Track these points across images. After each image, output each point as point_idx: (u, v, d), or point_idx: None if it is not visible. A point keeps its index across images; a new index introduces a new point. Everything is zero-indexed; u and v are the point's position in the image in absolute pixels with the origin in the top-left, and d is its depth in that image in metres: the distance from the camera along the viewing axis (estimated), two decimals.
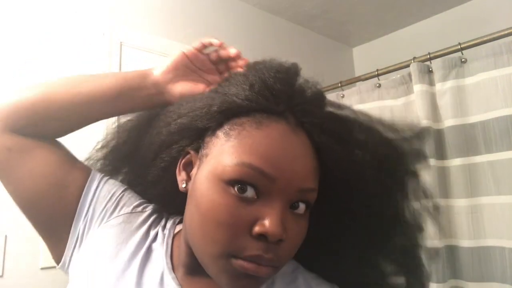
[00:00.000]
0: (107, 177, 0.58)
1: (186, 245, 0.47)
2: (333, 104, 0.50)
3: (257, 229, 0.39)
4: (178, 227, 0.55)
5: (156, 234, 0.53)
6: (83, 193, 0.54)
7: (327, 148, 0.44)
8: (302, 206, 0.42)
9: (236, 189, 0.40)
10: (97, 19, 1.44)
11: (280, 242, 0.40)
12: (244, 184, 0.40)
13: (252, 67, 0.55)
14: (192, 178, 0.46)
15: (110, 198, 0.55)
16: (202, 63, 0.63)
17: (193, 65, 0.62)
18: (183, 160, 0.49)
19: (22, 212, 0.56)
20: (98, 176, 0.57)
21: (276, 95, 0.44)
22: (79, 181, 0.55)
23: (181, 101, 0.55)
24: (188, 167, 0.48)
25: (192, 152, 0.48)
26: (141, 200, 0.57)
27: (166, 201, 0.55)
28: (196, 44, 0.62)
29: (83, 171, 0.57)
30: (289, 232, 0.41)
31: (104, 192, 0.55)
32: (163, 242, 0.52)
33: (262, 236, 0.39)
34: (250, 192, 0.40)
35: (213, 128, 0.45)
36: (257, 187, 0.40)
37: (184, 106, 0.52)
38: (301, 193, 0.42)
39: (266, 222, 0.39)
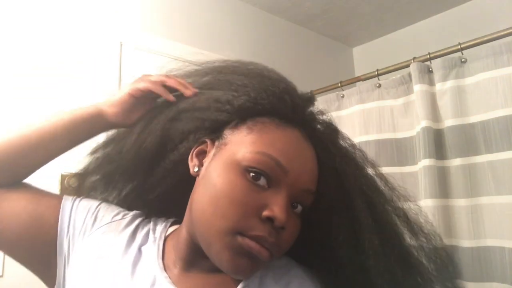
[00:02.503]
0: (79, 198, 0.60)
1: (188, 235, 0.50)
2: (344, 139, 0.56)
3: (266, 212, 0.43)
4: (171, 229, 0.56)
5: (144, 237, 0.54)
6: (59, 216, 0.56)
7: (325, 167, 0.49)
8: (299, 207, 0.48)
9: (251, 175, 0.45)
10: (97, 19, 1.44)
11: (282, 230, 0.44)
12: (260, 172, 0.45)
13: (260, 74, 0.60)
14: (206, 164, 0.49)
15: (88, 212, 0.57)
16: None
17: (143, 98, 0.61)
18: (197, 148, 0.51)
19: (9, 255, 0.57)
20: (70, 198, 0.59)
21: (295, 106, 0.51)
22: (53, 207, 0.57)
23: (187, 98, 0.56)
24: (201, 155, 0.51)
25: (209, 141, 0.51)
26: (119, 209, 0.58)
27: (162, 204, 0.57)
28: (156, 83, 0.60)
29: (54, 198, 0.60)
30: (289, 224, 0.45)
31: (80, 209, 0.57)
32: (154, 244, 0.53)
33: (269, 220, 0.43)
34: (262, 181, 0.45)
35: (236, 122, 0.50)
36: (270, 177, 0.45)
37: (201, 100, 0.54)
38: (303, 192, 0.47)
39: (275, 208, 0.43)
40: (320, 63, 2.33)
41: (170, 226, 0.57)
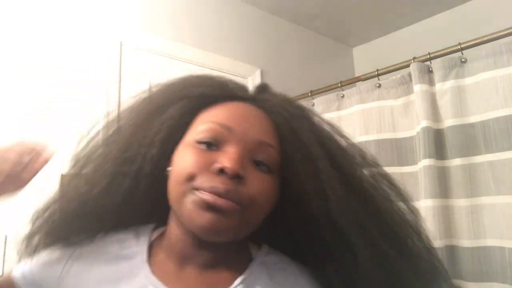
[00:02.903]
0: (28, 260, 0.56)
1: (178, 228, 0.50)
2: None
3: (215, 165, 0.45)
4: (156, 233, 0.55)
5: (125, 250, 0.53)
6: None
7: (282, 129, 0.51)
8: (264, 167, 0.48)
9: (204, 146, 0.47)
10: (97, 19, 1.44)
11: (240, 180, 0.45)
12: (207, 141, 0.47)
13: (189, 79, 0.58)
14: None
15: (44, 267, 0.54)
16: None
17: None
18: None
19: None
20: (19, 268, 0.56)
21: (241, 88, 0.56)
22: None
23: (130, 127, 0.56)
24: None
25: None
26: (67, 249, 0.55)
27: (140, 215, 0.55)
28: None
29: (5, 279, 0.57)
30: (251, 178, 0.46)
31: (35, 268, 0.54)
32: (138, 252, 0.52)
33: (221, 172, 0.44)
34: (212, 146, 0.47)
35: (191, 121, 0.52)
36: (217, 139, 0.47)
37: (153, 123, 0.53)
38: (258, 145, 0.48)
39: (223, 159, 0.45)
40: (320, 63, 2.33)
41: (155, 229, 0.56)
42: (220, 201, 0.44)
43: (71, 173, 0.60)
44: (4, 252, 1.13)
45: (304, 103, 1.79)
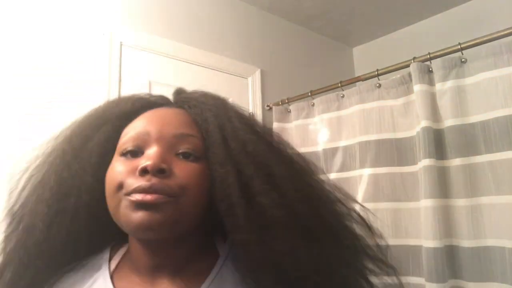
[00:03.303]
0: None
1: (131, 240, 0.51)
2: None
3: (138, 168, 0.46)
4: (121, 251, 0.55)
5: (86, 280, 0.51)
6: None
7: (197, 114, 0.53)
8: (190, 156, 0.49)
9: (128, 155, 0.49)
10: (97, 19, 1.44)
11: (165, 174, 0.46)
12: (129, 150, 0.49)
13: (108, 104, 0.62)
14: None
15: None
16: None
17: None
18: None
19: None
20: None
21: (159, 97, 0.59)
22: None
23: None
24: None
25: None
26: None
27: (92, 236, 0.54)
28: None
29: None
30: (177, 169, 0.47)
31: None
32: (100, 274, 0.51)
33: (144, 171, 0.45)
34: (135, 154, 0.49)
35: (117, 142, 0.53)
36: (138, 146, 0.49)
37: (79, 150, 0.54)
38: (178, 138, 0.49)
39: (144, 160, 0.46)
40: (320, 63, 2.33)
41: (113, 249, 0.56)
42: (148, 197, 0.44)
43: (10, 231, 0.55)
44: None
45: (304, 103, 1.81)
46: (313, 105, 1.77)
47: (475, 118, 1.24)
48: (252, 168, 0.48)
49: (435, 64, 1.35)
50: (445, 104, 1.31)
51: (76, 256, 0.54)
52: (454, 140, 1.27)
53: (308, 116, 1.79)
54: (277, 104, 1.92)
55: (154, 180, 0.45)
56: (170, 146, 0.49)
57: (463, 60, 1.30)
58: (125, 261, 0.53)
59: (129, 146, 0.49)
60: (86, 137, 0.54)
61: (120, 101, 0.59)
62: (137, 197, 0.44)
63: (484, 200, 1.19)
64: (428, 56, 1.37)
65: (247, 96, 1.90)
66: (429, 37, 2.13)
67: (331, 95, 1.69)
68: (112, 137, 0.53)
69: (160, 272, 0.50)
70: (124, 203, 0.46)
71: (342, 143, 1.60)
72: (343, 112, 1.64)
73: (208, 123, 0.51)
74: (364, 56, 2.53)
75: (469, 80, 1.28)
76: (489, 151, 1.20)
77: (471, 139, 1.24)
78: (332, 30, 2.34)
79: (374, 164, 1.44)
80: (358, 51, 2.57)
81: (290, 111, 1.88)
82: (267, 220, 0.46)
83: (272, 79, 2.03)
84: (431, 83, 1.35)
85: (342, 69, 2.46)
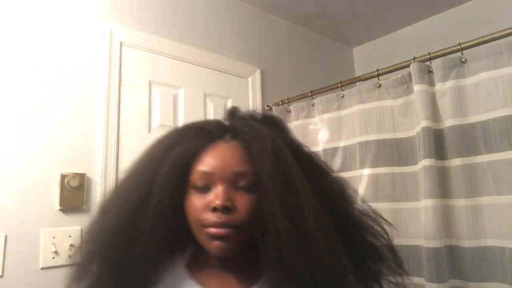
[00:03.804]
0: None
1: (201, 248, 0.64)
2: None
3: (210, 206, 0.60)
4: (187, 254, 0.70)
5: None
6: None
7: (250, 150, 0.64)
8: (243, 187, 0.62)
9: (200, 190, 0.63)
10: (97, 19, 1.44)
11: (230, 210, 0.59)
12: (198, 186, 0.63)
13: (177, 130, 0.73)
14: None
15: None
16: None
17: None
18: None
19: None
20: None
21: (215, 125, 0.69)
22: None
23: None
24: None
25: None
26: None
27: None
28: None
29: None
30: (238, 203, 0.61)
31: None
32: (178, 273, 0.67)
33: (215, 209, 0.59)
34: (206, 190, 0.62)
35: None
36: (206, 183, 0.62)
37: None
38: (236, 175, 0.62)
39: (213, 198, 0.60)
40: (320, 63, 2.33)
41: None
42: (220, 231, 0.59)
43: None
44: (4, 252, 1.13)
45: (304, 103, 1.81)
46: (313, 105, 1.77)
47: (475, 118, 1.24)
48: (292, 201, 0.60)
49: (435, 64, 1.34)
50: (445, 104, 1.31)
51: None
52: (454, 140, 1.27)
53: (308, 116, 1.79)
54: (277, 104, 1.92)
55: (224, 217, 0.59)
56: (231, 182, 0.62)
57: (463, 60, 1.30)
58: (196, 265, 0.68)
59: (200, 184, 0.63)
60: (155, 165, 0.65)
61: (187, 131, 0.70)
62: (213, 231, 0.59)
63: (484, 200, 1.19)
64: (428, 56, 1.37)
65: (247, 96, 1.90)
66: (429, 37, 2.13)
67: (331, 95, 1.69)
68: (180, 170, 0.64)
69: (227, 271, 0.66)
70: (204, 233, 0.61)
71: (342, 143, 1.60)
72: (343, 112, 1.64)
73: (261, 160, 0.62)
74: (364, 56, 2.53)
75: (469, 80, 1.28)
76: (489, 151, 1.20)
77: (471, 139, 1.24)
78: (332, 30, 2.34)
79: (374, 164, 1.44)
80: (358, 51, 2.58)
81: (290, 111, 1.88)
82: (304, 240, 0.58)
83: (272, 79, 2.03)
84: (431, 83, 1.35)
85: (342, 69, 2.46)
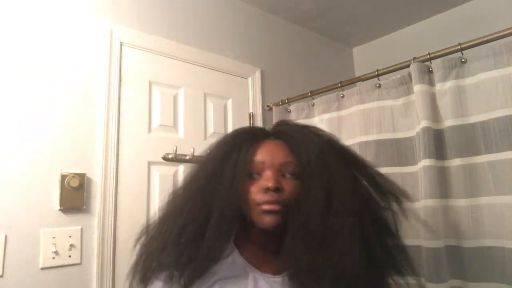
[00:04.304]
0: None
1: (258, 230, 0.75)
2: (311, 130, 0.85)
3: (263, 187, 0.73)
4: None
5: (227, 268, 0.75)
6: None
7: (292, 146, 0.78)
8: (288, 175, 0.75)
9: (254, 175, 0.76)
10: (98, 19, 1.44)
11: (279, 191, 0.72)
12: (252, 172, 0.76)
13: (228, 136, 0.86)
14: None
15: None
16: None
17: None
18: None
19: None
20: None
21: (262, 130, 0.86)
22: None
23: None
24: None
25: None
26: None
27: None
28: None
29: None
30: (285, 186, 0.73)
31: None
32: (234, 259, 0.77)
33: (267, 190, 0.72)
34: (258, 176, 0.76)
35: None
36: (258, 171, 0.76)
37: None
38: (283, 165, 0.75)
39: (265, 182, 0.73)
40: (320, 63, 2.33)
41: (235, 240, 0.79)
42: (272, 206, 0.71)
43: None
44: (4, 252, 1.13)
45: (304, 103, 1.81)
46: (313, 105, 1.77)
47: (475, 118, 1.24)
48: (328, 186, 0.72)
49: (435, 64, 1.35)
50: (445, 104, 1.31)
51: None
52: (454, 140, 1.27)
53: (308, 116, 1.79)
54: (277, 104, 1.92)
55: (275, 196, 0.71)
56: (278, 170, 0.75)
57: (463, 60, 1.30)
58: (242, 246, 0.79)
59: (254, 171, 0.76)
60: (220, 161, 0.78)
61: (242, 133, 0.84)
62: (266, 207, 0.71)
63: (484, 200, 1.19)
64: (428, 56, 1.37)
65: (247, 96, 1.90)
66: (429, 37, 2.13)
67: (331, 95, 1.69)
68: (237, 161, 0.77)
69: (268, 248, 0.78)
70: (258, 210, 0.73)
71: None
72: (343, 112, 1.64)
73: (300, 153, 0.76)
74: (364, 56, 2.53)
75: (469, 80, 1.28)
76: (489, 151, 1.20)
77: (471, 139, 1.24)
78: (332, 30, 2.34)
79: (374, 164, 1.44)
80: (358, 51, 2.58)
81: (290, 111, 1.88)
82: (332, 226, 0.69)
83: (272, 79, 2.03)
84: (431, 83, 1.35)
85: (342, 69, 2.46)
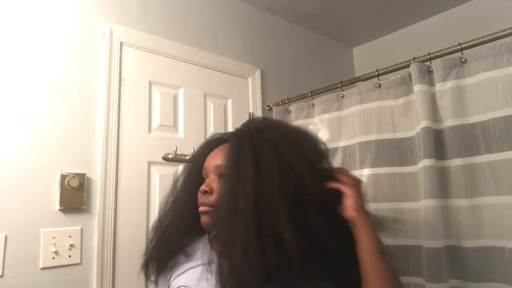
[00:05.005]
0: None
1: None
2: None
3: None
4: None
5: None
6: None
7: (228, 149, 0.81)
8: (219, 176, 0.81)
9: (203, 181, 0.84)
10: (98, 19, 1.44)
11: (207, 193, 0.79)
12: (204, 177, 0.85)
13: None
14: None
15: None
16: None
17: None
18: None
19: None
20: None
21: (221, 137, 0.91)
22: None
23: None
24: None
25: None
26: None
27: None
28: None
29: None
30: (216, 188, 0.80)
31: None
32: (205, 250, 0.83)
33: (200, 193, 0.81)
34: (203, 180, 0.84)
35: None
36: (206, 176, 0.84)
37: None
38: (216, 168, 0.81)
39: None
40: (320, 63, 2.33)
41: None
42: (202, 208, 0.80)
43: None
44: (4, 252, 1.13)
45: (304, 103, 1.81)
46: (313, 105, 1.77)
47: (475, 118, 1.24)
48: (235, 187, 0.74)
49: (435, 64, 1.34)
50: (445, 104, 1.31)
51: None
52: (454, 140, 1.27)
53: (308, 116, 1.79)
54: (277, 104, 1.92)
55: (203, 198, 0.80)
56: (215, 173, 0.81)
57: (463, 60, 1.30)
58: (214, 240, 0.83)
59: (204, 176, 0.85)
60: (188, 169, 0.92)
61: (207, 141, 0.92)
62: (200, 208, 0.80)
63: (484, 200, 1.19)
64: (428, 56, 1.37)
65: (247, 96, 1.90)
66: (429, 37, 2.13)
67: (331, 95, 1.69)
68: (194, 169, 0.88)
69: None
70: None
71: (342, 143, 1.60)
72: (343, 112, 1.64)
73: (228, 156, 0.78)
74: (364, 56, 2.53)
75: (469, 80, 1.28)
76: (489, 151, 1.20)
77: (471, 139, 1.24)
78: (332, 30, 2.34)
79: (374, 164, 1.44)
80: (358, 51, 2.58)
81: (290, 111, 1.88)
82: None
83: (272, 79, 2.03)
84: (431, 83, 1.35)
85: (342, 69, 2.46)
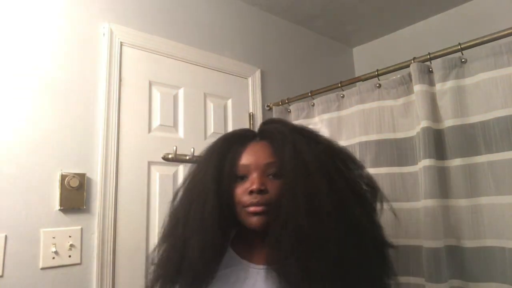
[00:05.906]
0: None
1: (248, 229, 0.79)
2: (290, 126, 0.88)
3: (248, 190, 0.77)
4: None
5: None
6: None
7: (274, 146, 0.81)
8: (271, 174, 0.78)
9: (238, 181, 0.80)
10: (97, 19, 1.44)
11: (262, 192, 0.75)
12: (242, 175, 0.80)
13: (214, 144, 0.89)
14: None
15: None
16: None
17: None
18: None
19: None
20: None
21: (247, 131, 0.92)
22: None
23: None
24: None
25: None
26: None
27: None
28: None
29: None
30: (269, 186, 0.77)
31: None
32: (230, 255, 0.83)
33: (251, 192, 0.76)
34: (244, 178, 0.80)
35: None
36: (244, 173, 0.80)
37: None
38: (267, 166, 0.78)
39: (250, 184, 0.77)
40: (320, 63, 2.33)
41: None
42: (257, 208, 0.75)
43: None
44: (4, 252, 1.13)
45: (304, 103, 1.81)
46: (313, 105, 1.77)
47: (475, 118, 1.24)
48: (306, 183, 0.73)
49: (435, 64, 1.34)
50: (445, 104, 1.31)
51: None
52: (454, 140, 1.27)
53: (308, 116, 1.79)
54: (277, 104, 1.92)
55: (258, 197, 0.75)
56: (262, 171, 0.78)
57: (463, 60, 1.30)
58: (236, 244, 0.85)
59: (240, 174, 0.79)
60: (206, 166, 0.83)
61: (227, 138, 0.88)
62: (251, 209, 0.76)
63: (484, 200, 1.19)
64: (428, 56, 1.37)
65: (247, 96, 1.90)
66: (429, 37, 2.13)
67: (331, 95, 1.69)
68: (223, 164, 0.81)
69: (255, 242, 0.81)
70: (244, 212, 0.77)
71: (342, 143, 1.60)
72: (343, 112, 1.64)
73: (280, 153, 0.78)
74: (364, 56, 2.53)
75: (469, 80, 1.28)
76: (489, 151, 1.20)
77: (471, 139, 1.24)
78: (332, 30, 2.34)
79: (374, 164, 1.44)
80: (358, 51, 2.58)
81: (290, 111, 1.88)
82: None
83: (272, 79, 2.03)
84: (431, 83, 1.35)
85: (342, 69, 2.46)
